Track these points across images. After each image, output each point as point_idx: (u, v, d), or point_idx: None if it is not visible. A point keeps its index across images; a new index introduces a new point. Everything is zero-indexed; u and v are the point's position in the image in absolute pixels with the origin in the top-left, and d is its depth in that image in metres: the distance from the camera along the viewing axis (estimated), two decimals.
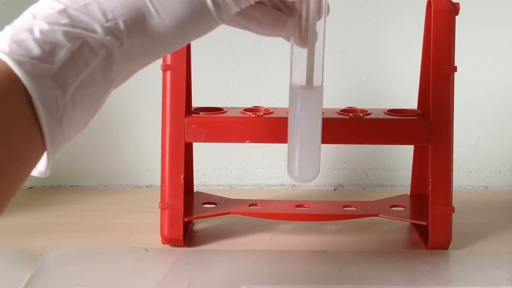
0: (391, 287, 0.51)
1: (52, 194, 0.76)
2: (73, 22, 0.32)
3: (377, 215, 0.61)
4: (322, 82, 0.45)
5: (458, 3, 0.57)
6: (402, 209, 0.63)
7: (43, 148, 0.32)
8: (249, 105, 0.62)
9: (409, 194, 0.68)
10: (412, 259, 0.56)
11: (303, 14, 0.43)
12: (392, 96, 0.78)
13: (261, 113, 0.59)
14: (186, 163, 0.58)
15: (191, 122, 0.57)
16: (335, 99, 0.77)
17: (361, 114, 0.59)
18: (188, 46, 0.58)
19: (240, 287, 0.51)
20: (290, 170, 0.46)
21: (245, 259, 0.56)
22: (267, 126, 0.58)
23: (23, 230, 0.64)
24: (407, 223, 0.65)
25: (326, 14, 0.44)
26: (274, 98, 0.76)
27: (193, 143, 0.63)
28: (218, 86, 0.78)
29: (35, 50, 0.31)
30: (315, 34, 0.43)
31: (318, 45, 0.44)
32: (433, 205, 0.58)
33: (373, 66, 0.78)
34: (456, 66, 0.57)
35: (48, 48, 0.31)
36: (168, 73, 0.57)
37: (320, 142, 0.46)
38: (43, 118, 0.31)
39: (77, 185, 0.80)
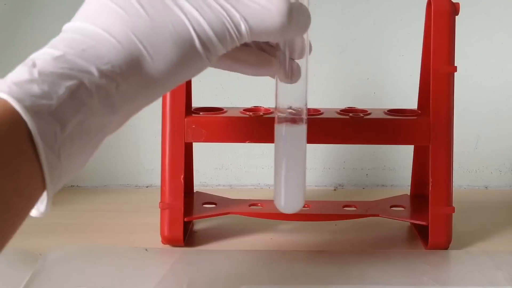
0: (391, 287, 0.51)
1: None
2: (71, 66, 0.34)
3: (377, 215, 0.61)
4: (305, 119, 0.47)
5: (458, 3, 0.57)
6: (402, 209, 0.63)
7: (43, 184, 0.33)
8: (249, 105, 0.62)
9: (409, 194, 0.68)
10: (412, 259, 0.56)
11: (286, 53, 0.44)
12: (392, 96, 0.78)
13: (261, 113, 0.59)
14: (186, 163, 0.58)
15: (191, 122, 0.57)
16: (335, 99, 0.77)
17: (361, 114, 0.59)
18: None
19: (240, 287, 0.51)
20: (276, 201, 0.49)
21: (245, 259, 0.56)
22: (267, 126, 0.57)
23: (23, 230, 0.63)
24: (407, 223, 0.65)
25: (308, 53, 0.46)
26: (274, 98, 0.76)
27: (193, 143, 0.63)
28: (218, 86, 0.78)
29: (34, 89, 0.32)
30: (299, 69, 0.46)
31: (301, 80, 0.46)
32: (433, 205, 0.58)
33: (373, 66, 0.78)
34: (456, 66, 0.57)
35: (47, 88, 0.32)
36: None
37: (305, 175, 0.49)
38: (42, 152, 0.32)
39: (77, 185, 0.80)
